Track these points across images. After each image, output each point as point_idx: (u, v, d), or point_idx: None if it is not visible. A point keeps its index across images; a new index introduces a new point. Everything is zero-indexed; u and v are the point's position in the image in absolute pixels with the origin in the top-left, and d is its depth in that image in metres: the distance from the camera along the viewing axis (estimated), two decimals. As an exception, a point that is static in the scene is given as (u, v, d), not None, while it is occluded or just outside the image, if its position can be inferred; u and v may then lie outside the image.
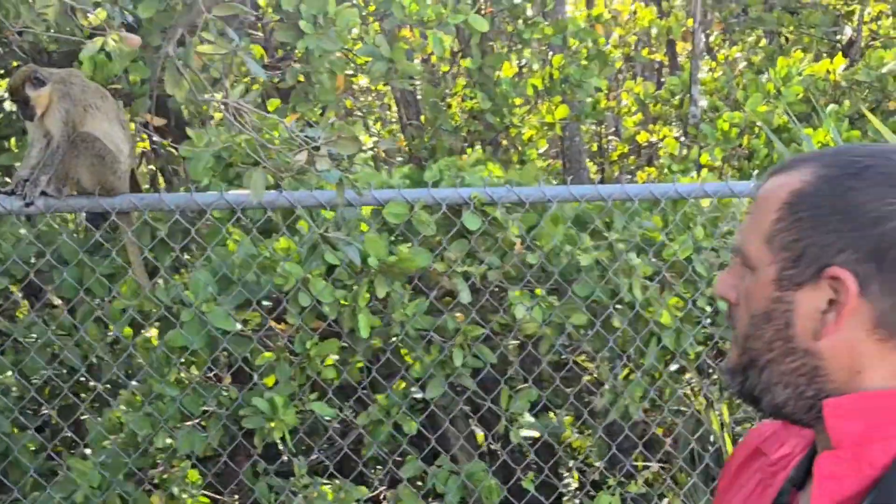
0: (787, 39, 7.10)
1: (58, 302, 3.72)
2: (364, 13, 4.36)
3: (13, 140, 4.25)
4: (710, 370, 4.34)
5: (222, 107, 3.00)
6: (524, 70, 5.23)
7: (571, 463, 4.61)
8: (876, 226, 1.32)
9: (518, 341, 3.93)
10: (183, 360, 3.45)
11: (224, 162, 3.66)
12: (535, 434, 4.28)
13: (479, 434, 4.26)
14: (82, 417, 3.57)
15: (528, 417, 3.98)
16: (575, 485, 4.73)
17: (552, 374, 4.01)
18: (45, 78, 3.16)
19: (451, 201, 3.54)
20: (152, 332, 3.59)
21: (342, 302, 3.47)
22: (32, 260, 3.46)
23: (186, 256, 3.68)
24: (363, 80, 4.92)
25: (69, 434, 3.52)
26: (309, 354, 3.45)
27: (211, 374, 3.63)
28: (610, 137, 6.33)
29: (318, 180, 3.07)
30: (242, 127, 2.96)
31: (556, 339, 3.75)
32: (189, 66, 2.97)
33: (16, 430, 3.44)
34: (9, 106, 4.25)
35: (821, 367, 1.37)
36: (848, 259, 1.33)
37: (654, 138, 6.02)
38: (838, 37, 7.29)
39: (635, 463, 4.10)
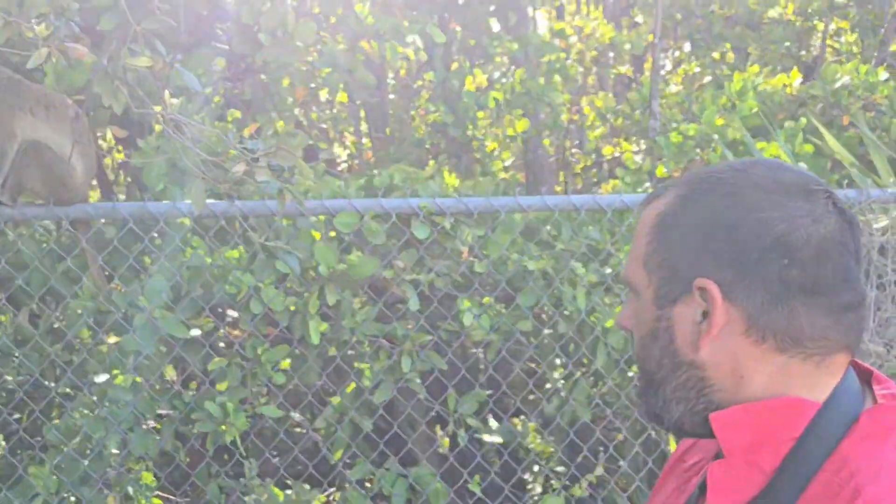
0: (748, 55, 7.12)
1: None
2: (324, 26, 4.37)
3: None
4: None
5: (161, 118, 3.00)
6: (485, 84, 5.24)
7: (537, 467, 4.62)
8: (730, 234, 1.36)
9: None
10: (135, 364, 3.42)
11: (178, 169, 3.68)
12: (495, 439, 4.31)
13: (446, 440, 4.27)
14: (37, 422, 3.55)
15: (481, 422, 4.00)
16: (539, 489, 4.74)
17: (499, 380, 3.97)
18: None
19: (400, 211, 3.54)
20: (111, 339, 3.57)
21: (293, 309, 3.48)
22: None
23: (137, 263, 3.66)
24: (325, 93, 4.93)
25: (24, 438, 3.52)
26: (260, 360, 3.45)
27: (164, 379, 3.62)
28: (574, 150, 6.34)
29: (258, 191, 3.07)
30: (182, 139, 2.96)
31: (502, 344, 3.75)
32: (124, 78, 2.97)
33: None
34: None
35: (706, 378, 1.40)
36: (711, 269, 1.36)
37: (617, 151, 6.03)
38: (801, 52, 7.31)
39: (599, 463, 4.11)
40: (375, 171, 4.03)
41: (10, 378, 3.53)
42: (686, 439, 1.67)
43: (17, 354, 3.48)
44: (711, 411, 1.40)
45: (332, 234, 3.61)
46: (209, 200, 3.26)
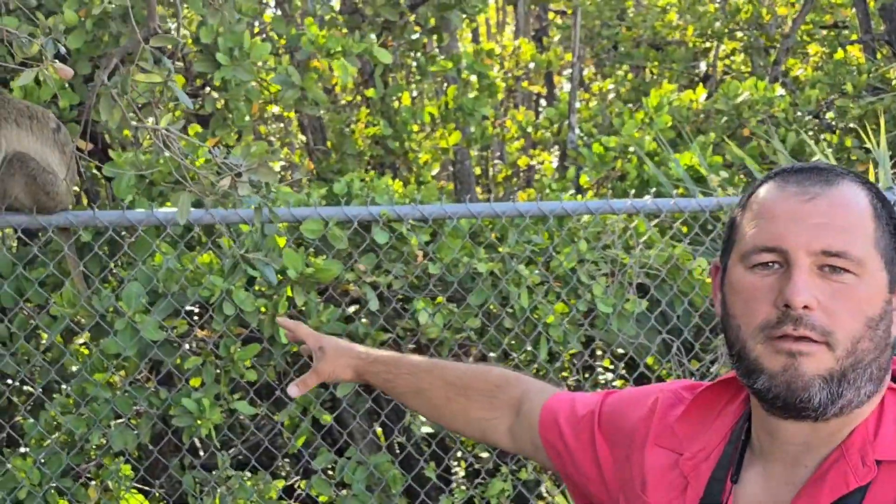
0: (651, 73, 7.27)
1: None
2: (277, 45, 4.38)
3: None
4: (590, 369, 4.42)
5: (152, 133, 2.99)
6: (417, 100, 5.27)
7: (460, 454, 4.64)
8: None
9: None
10: (115, 364, 3.41)
11: (146, 180, 3.66)
12: (432, 430, 4.35)
13: (382, 431, 4.28)
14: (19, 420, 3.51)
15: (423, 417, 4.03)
16: (462, 473, 4.77)
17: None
18: None
19: (361, 218, 3.55)
20: (85, 339, 3.56)
21: (262, 310, 3.47)
22: None
23: (114, 268, 3.63)
24: (275, 108, 4.92)
25: (8, 434, 3.47)
26: (233, 358, 3.44)
27: (140, 377, 3.59)
28: (495, 161, 6.40)
29: (240, 203, 3.08)
30: (171, 152, 2.96)
31: (454, 341, 3.77)
32: (124, 94, 2.96)
33: None
34: None
35: (890, 359, 1.39)
36: None
37: (533, 162, 6.10)
38: (696, 71, 7.49)
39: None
40: (330, 180, 4.05)
41: None
42: (674, 395, 1.61)
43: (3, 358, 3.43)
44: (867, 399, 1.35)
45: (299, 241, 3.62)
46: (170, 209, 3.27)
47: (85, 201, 4.42)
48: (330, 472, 3.72)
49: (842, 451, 1.34)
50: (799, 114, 6.04)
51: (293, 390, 2.03)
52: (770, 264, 1.34)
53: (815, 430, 1.36)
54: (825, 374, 1.30)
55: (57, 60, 3.15)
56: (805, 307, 1.29)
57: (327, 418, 3.72)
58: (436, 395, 1.93)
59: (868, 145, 4.73)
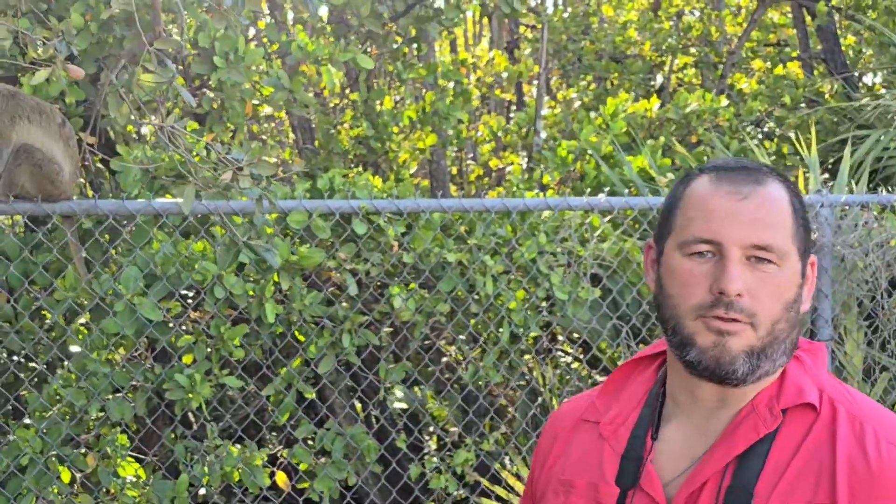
0: (612, 83, 7.28)
1: None
2: (269, 51, 4.34)
3: None
4: (548, 351, 4.44)
5: (158, 129, 2.96)
6: (398, 105, 5.25)
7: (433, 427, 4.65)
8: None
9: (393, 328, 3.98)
10: (114, 342, 3.39)
11: (149, 175, 3.63)
12: (405, 405, 4.34)
13: (359, 405, 4.29)
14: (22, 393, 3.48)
15: (398, 393, 4.03)
16: (432, 444, 4.77)
17: (421, 352, 4.07)
18: None
19: (342, 211, 3.54)
20: (86, 319, 3.53)
21: (251, 293, 3.47)
22: None
23: (113, 254, 3.60)
24: (268, 109, 4.87)
25: (13, 406, 3.45)
26: (223, 337, 3.43)
27: (137, 354, 3.58)
28: (469, 162, 6.38)
29: (241, 195, 3.05)
30: (175, 148, 2.93)
31: (425, 324, 3.77)
32: (131, 92, 2.94)
33: None
34: None
35: (798, 334, 1.46)
36: (810, 247, 1.46)
37: (503, 164, 6.09)
38: (652, 82, 7.50)
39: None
40: (315, 175, 4.03)
41: (4, 356, 3.44)
42: (572, 404, 1.67)
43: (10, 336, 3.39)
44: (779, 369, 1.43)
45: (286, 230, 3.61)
46: (178, 201, 3.22)
47: (90, 192, 4.36)
48: (311, 442, 3.71)
49: (752, 406, 1.41)
50: (742, 123, 6.08)
51: None
52: (705, 253, 1.39)
53: (731, 391, 1.42)
54: (748, 350, 1.37)
55: (68, 62, 3.13)
56: (739, 295, 1.36)
57: (310, 394, 3.71)
58: None
59: (802, 153, 4.77)
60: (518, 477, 3.82)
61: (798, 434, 1.38)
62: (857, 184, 4.65)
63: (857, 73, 7.50)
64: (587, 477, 1.51)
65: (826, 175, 4.55)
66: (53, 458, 3.20)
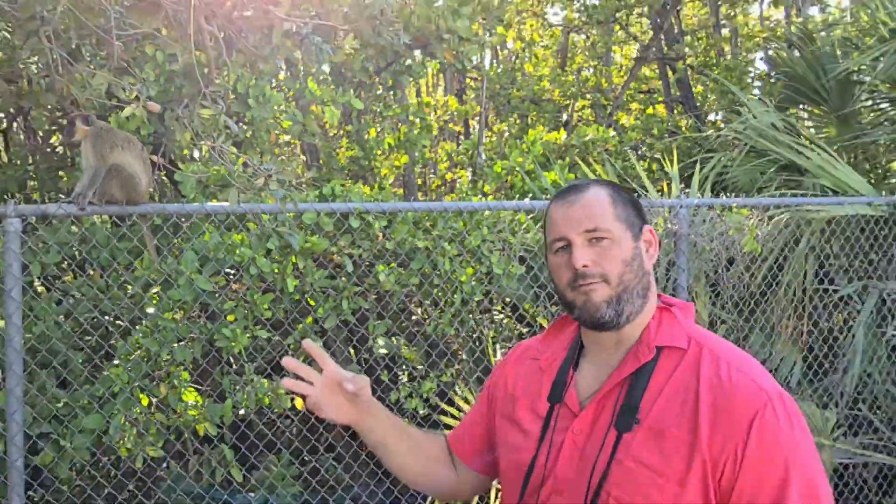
0: (531, 119, 7.34)
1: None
2: (287, 95, 4.34)
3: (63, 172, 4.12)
4: (488, 311, 4.48)
5: (211, 149, 2.95)
6: (380, 134, 5.25)
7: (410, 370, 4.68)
8: (642, 208, 1.50)
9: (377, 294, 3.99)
10: (177, 305, 3.38)
11: (202, 184, 3.62)
12: (386, 351, 4.36)
13: (353, 351, 4.28)
14: (113, 342, 3.48)
15: (381, 342, 4.05)
16: (405, 378, 4.79)
17: (398, 314, 4.08)
18: (91, 121, 3.06)
19: (341, 211, 3.53)
20: (157, 289, 3.49)
21: (276, 271, 3.46)
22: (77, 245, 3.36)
23: (176, 242, 3.57)
24: (286, 137, 4.86)
25: (106, 351, 3.45)
26: (255, 302, 3.43)
27: (194, 314, 3.56)
28: (431, 175, 6.40)
29: (270, 196, 3.05)
30: (223, 163, 2.93)
31: (401, 292, 3.78)
32: (192, 123, 2.93)
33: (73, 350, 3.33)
34: (58, 146, 4.10)
35: (650, 281, 1.47)
36: (644, 220, 1.48)
37: (455, 177, 6.11)
38: (560, 119, 7.58)
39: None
40: (321, 185, 4.02)
41: (99, 316, 3.42)
42: (519, 349, 1.67)
43: (99, 301, 3.38)
44: (644, 303, 1.43)
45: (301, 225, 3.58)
46: (223, 204, 3.21)
47: (157, 197, 4.34)
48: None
49: (636, 344, 1.43)
50: (624, 148, 6.14)
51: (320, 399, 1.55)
52: (563, 248, 1.44)
53: (619, 335, 1.45)
54: (608, 300, 1.41)
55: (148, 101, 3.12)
56: (585, 266, 1.40)
57: (317, 341, 3.65)
58: (418, 448, 1.70)
59: (666, 169, 4.79)
60: (465, 400, 3.81)
61: (671, 366, 1.38)
62: (704, 192, 4.68)
63: (704, 112, 7.63)
64: (528, 395, 1.54)
65: (683, 185, 4.61)
66: (136, 388, 3.21)
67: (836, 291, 4.44)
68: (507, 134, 7.04)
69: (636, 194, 4.06)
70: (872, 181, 5.17)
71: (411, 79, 4.86)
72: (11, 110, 4.01)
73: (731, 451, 1.27)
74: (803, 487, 1.26)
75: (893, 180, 5.32)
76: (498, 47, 8.17)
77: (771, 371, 4.22)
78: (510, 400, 1.57)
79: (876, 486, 4.36)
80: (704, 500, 1.28)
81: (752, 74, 7.74)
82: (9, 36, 3.32)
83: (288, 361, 1.56)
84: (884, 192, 4.77)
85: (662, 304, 1.49)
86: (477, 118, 6.65)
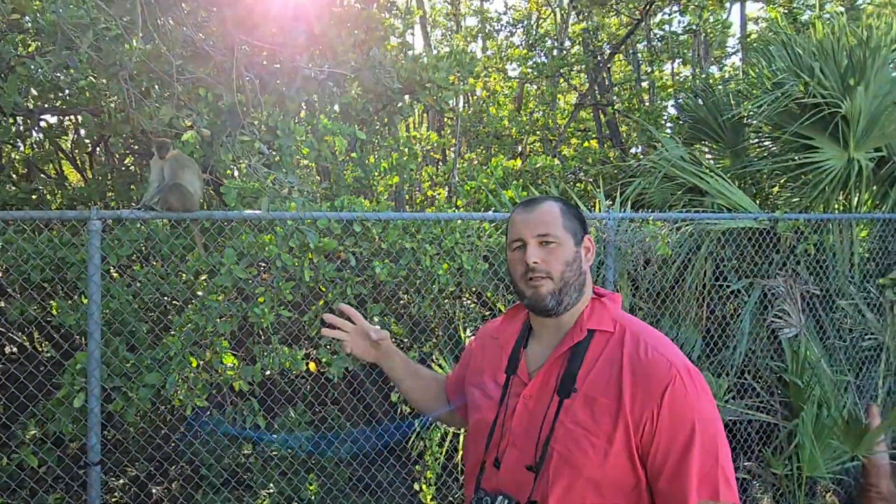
0: (494, 150, 7.38)
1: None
2: (306, 127, 4.36)
3: (134, 185, 4.12)
4: (459, 298, 4.43)
5: (248, 167, 2.98)
6: (378, 160, 5.26)
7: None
8: (584, 221, 1.45)
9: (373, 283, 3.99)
10: (220, 289, 3.36)
11: (241, 196, 3.62)
12: (379, 327, 4.36)
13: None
14: (170, 317, 3.48)
15: (376, 321, 4.05)
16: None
17: (389, 299, 4.05)
18: (171, 147, 3.09)
19: (348, 218, 3.52)
20: (204, 277, 3.50)
21: (296, 264, 3.44)
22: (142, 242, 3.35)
23: (219, 240, 3.59)
24: (304, 161, 4.88)
25: (163, 325, 3.45)
26: (280, 288, 3.41)
27: (232, 297, 3.55)
28: (416, 192, 6.42)
29: (293, 203, 3.05)
30: (258, 178, 2.95)
31: (393, 282, 3.75)
32: (232, 148, 2.95)
33: (139, 322, 3.35)
34: (131, 165, 4.09)
35: (586, 279, 1.41)
36: (585, 231, 1.43)
37: (435, 194, 6.14)
38: (517, 150, 7.63)
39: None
40: (332, 198, 4.03)
41: (160, 296, 3.43)
42: (485, 330, 1.61)
43: (158, 284, 3.39)
44: (578, 300, 1.39)
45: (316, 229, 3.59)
46: (257, 211, 3.24)
47: (205, 205, 4.36)
48: (328, 346, 3.66)
49: (572, 328, 1.40)
50: (565, 173, 6.19)
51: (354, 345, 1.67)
52: (519, 247, 1.41)
53: (559, 321, 1.41)
54: (552, 292, 1.37)
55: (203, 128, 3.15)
56: (535, 263, 1.37)
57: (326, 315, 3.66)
58: (423, 381, 1.73)
59: (597, 191, 4.80)
60: (440, 366, 3.80)
61: (601, 345, 1.35)
62: (626, 208, 4.70)
63: (627, 147, 7.71)
64: (491, 367, 1.51)
65: (610, 202, 4.66)
66: (187, 353, 3.20)
67: (728, 287, 4.47)
68: (475, 161, 7.07)
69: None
70: (758, 202, 5.23)
71: (402, 117, 4.87)
72: (95, 137, 4.02)
73: (649, 414, 1.24)
74: (706, 442, 1.23)
75: (775, 201, 5.42)
76: (469, 94, 8.21)
77: (679, 347, 4.31)
78: (478, 371, 1.54)
79: (758, 439, 4.41)
80: (628, 453, 1.26)
81: (665, 117, 7.85)
82: (94, 79, 3.35)
83: (328, 316, 1.64)
84: (766, 210, 4.85)
85: (595, 295, 1.44)
86: (452, 148, 6.69)
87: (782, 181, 5.14)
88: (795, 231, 4.46)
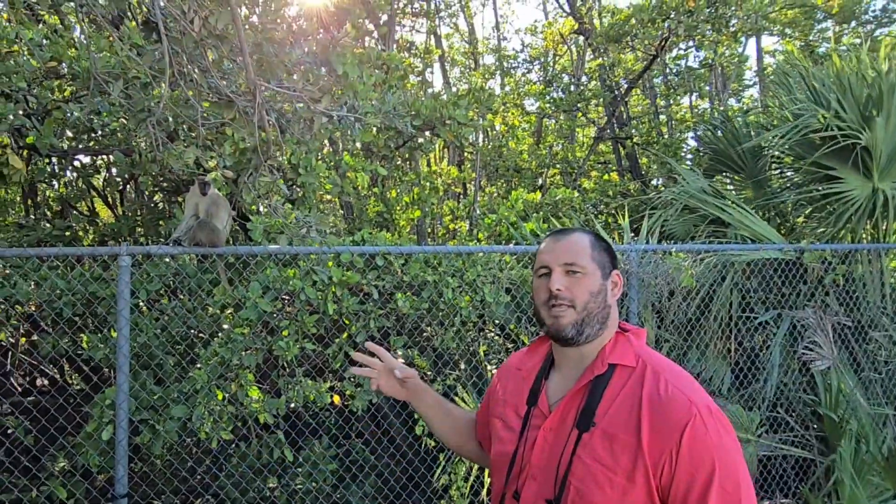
0: (515, 184, 7.42)
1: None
2: (329, 165, 4.43)
3: (163, 220, 4.21)
4: (482, 330, 4.43)
5: (270, 206, 3.03)
6: (399, 194, 5.32)
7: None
8: (614, 256, 1.43)
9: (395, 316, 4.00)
10: (245, 322, 3.37)
11: (266, 231, 3.66)
12: (403, 360, 4.34)
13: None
14: (197, 350, 3.49)
15: (400, 353, 4.04)
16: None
17: (412, 331, 4.03)
18: (211, 185, 3.14)
19: (370, 252, 3.53)
20: (230, 310, 3.52)
21: (319, 297, 3.45)
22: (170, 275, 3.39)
23: (244, 275, 3.62)
24: (328, 196, 4.94)
25: (190, 357, 3.48)
26: (304, 321, 3.42)
27: (257, 329, 3.56)
28: (438, 225, 6.45)
29: (311, 241, 3.09)
30: (278, 216, 2.99)
31: (415, 314, 3.73)
32: (255, 187, 3.00)
33: (167, 355, 3.37)
34: (159, 202, 4.17)
35: (610, 313, 1.39)
36: (616, 268, 1.41)
37: (456, 227, 6.16)
38: (538, 183, 7.67)
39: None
40: (354, 232, 4.07)
41: (187, 330, 3.45)
42: (510, 362, 1.59)
43: (190, 318, 3.42)
44: (604, 328, 1.37)
45: (339, 263, 3.61)
46: (280, 247, 3.27)
47: (231, 241, 4.41)
48: (352, 379, 3.64)
49: (594, 361, 1.39)
50: (586, 205, 6.19)
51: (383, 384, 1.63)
52: (545, 273, 1.40)
53: (581, 352, 1.40)
54: (573, 323, 1.36)
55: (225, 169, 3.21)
56: (558, 290, 1.37)
57: (351, 351, 3.57)
58: (453, 418, 1.71)
59: (620, 223, 4.85)
60: (463, 399, 3.77)
61: (622, 380, 1.33)
62: (650, 239, 4.68)
63: (648, 179, 7.72)
64: (514, 398, 1.50)
65: (633, 234, 4.63)
66: (213, 386, 3.21)
67: (755, 318, 4.39)
68: (495, 194, 7.10)
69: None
70: (783, 232, 5.17)
71: (422, 153, 4.92)
72: (126, 176, 4.14)
73: (667, 455, 1.22)
74: (727, 483, 1.21)
75: (800, 231, 5.35)
76: (488, 129, 8.29)
77: (705, 380, 4.18)
78: (501, 403, 1.52)
79: (793, 475, 4.29)
80: (647, 493, 1.23)
81: (685, 150, 7.84)
82: (125, 122, 3.46)
83: (357, 355, 1.63)
84: (791, 241, 4.78)
85: (620, 329, 1.42)
86: (472, 182, 6.75)
87: (807, 212, 5.07)
88: (823, 261, 4.38)
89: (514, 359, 1.60)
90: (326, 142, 4.50)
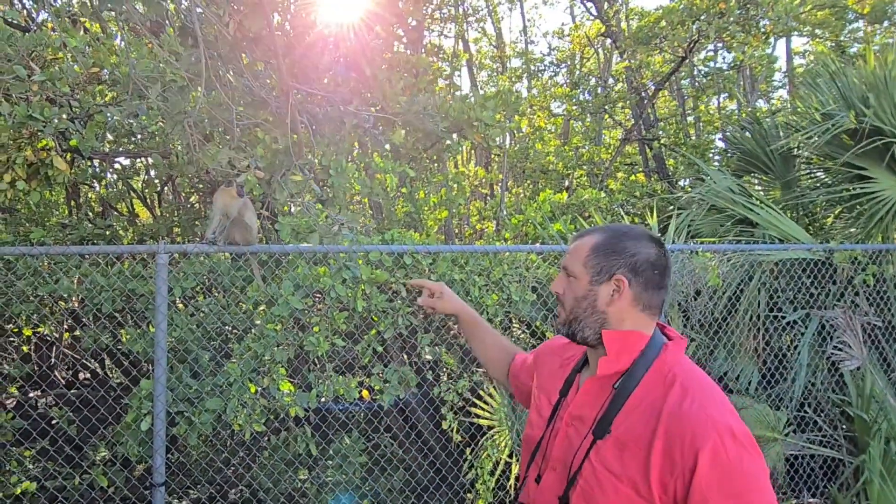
0: (541, 184, 7.40)
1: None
2: (358, 167, 4.46)
3: (198, 221, 4.26)
4: (508, 328, 4.40)
5: (302, 205, 3.07)
6: (427, 195, 5.33)
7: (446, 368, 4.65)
8: (632, 257, 1.34)
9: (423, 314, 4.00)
10: (278, 318, 3.40)
11: (296, 231, 3.72)
12: (430, 357, 4.36)
13: (406, 356, 4.27)
14: (231, 345, 3.54)
15: (427, 349, 4.05)
16: (445, 378, 4.74)
17: (440, 328, 4.04)
18: (243, 188, 3.19)
19: (399, 251, 3.54)
20: (263, 307, 3.55)
21: (349, 295, 3.48)
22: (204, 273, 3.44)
23: (276, 272, 3.67)
24: (357, 196, 4.97)
25: (224, 352, 3.53)
26: (334, 318, 3.45)
27: (289, 326, 3.58)
28: (465, 226, 6.46)
29: (343, 238, 3.12)
30: (310, 215, 3.03)
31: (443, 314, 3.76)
32: (286, 187, 3.04)
33: (202, 350, 3.41)
34: (195, 203, 4.25)
35: (605, 321, 1.36)
36: (622, 272, 1.34)
37: (483, 227, 6.17)
38: (564, 184, 7.64)
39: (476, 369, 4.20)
40: (383, 232, 4.10)
41: (221, 326, 3.49)
42: (553, 342, 1.61)
43: (220, 314, 3.47)
44: (599, 336, 1.35)
45: (368, 262, 3.64)
46: (311, 245, 3.28)
47: (264, 240, 4.47)
48: (380, 374, 3.63)
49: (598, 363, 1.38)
50: (613, 206, 6.16)
51: (424, 301, 1.84)
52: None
53: (595, 349, 1.40)
54: (563, 322, 1.39)
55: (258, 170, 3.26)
56: (556, 292, 1.41)
57: (379, 348, 3.67)
58: (484, 344, 1.82)
59: (648, 223, 4.79)
60: (490, 395, 3.74)
61: (645, 391, 1.30)
62: (677, 239, 4.67)
63: (675, 179, 7.64)
64: (550, 384, 1.51)
65: (661, 234, 4.61)
66: (247, 379, 3.24)
67: (783, 318, 4.33)
68: (522, 195, 7.10)
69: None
70: (811, 232, 5.09)
71: (450, 154, 4.91)
72: (164, 177, 4.23)
73: (679, 473, 1.18)
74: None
75: (829, 231, 5.25)
76: (515, 131, 8.27)
77: (733, 380, 4.16)
78: (541, 387, 1.54)
79: (822, 474, 4.22)
80: None
81: (712, 151, 7.75)
82: (163, 125, 3.54)
83: (413, 282, 1.86)
84: (820, 241, 4.69)
85: (665, 335, 1.38)
86: (499, 184, 6.74)
87: (837, 212, 4.97)
88: (853, 262, 4.29)
89: (560, 341, 1.59)
90: (356, 144, 4.52)
